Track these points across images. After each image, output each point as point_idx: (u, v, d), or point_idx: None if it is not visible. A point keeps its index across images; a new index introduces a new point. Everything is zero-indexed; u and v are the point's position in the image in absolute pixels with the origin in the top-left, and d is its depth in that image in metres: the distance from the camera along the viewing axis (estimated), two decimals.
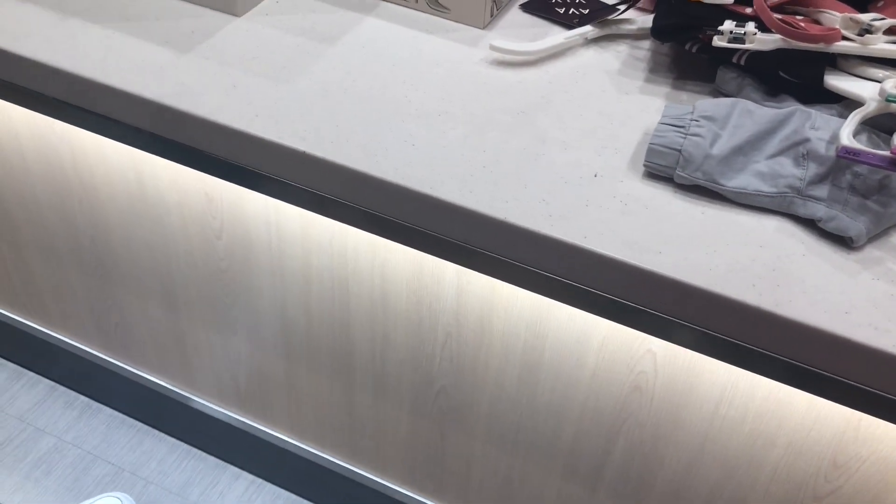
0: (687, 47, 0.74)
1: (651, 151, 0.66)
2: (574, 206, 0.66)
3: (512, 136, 0.72)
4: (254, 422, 1.24)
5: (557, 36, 0.80)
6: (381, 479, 1.18)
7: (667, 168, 0.66)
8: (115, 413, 1.41)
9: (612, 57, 0.82)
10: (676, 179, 0.66)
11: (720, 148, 0.64)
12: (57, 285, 1.24)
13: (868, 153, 0.60)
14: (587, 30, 0.82)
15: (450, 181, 0.67)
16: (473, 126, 0.72)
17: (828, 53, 0.68)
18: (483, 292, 0.86)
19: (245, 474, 1.34)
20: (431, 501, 1.16)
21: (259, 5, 0.84)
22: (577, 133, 0.72)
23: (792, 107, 0.67)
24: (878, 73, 0.67)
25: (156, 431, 1.39)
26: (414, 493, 1.17)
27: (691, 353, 0.79)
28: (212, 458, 1.36)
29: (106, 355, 1.32)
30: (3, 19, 0.81)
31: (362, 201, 0.70)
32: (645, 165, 0.68)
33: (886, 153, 0.60)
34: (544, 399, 0.92)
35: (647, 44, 0.84)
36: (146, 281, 1.12)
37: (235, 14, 0.81)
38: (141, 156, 0.95)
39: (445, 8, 0.81)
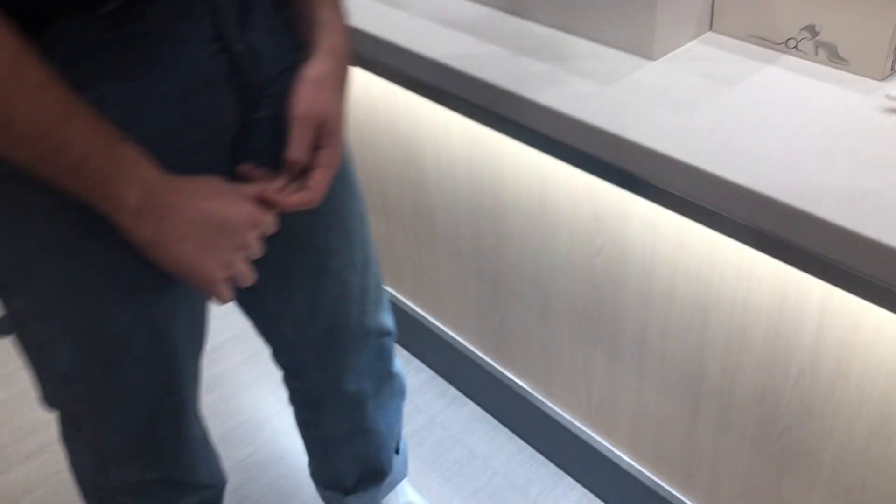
0: None
1: None
2: None
3: None
4: (598, 436, 1.35)
5: None
6: None
7: None
8: (478, 408, 1.61)
9: None
10: None
11: None
12: (453, 284, 1.47)
13: None
14: None
15: (830, 201, 0.73)
16: (859, 160, 0.77)
17: None
18: (844, 332, 0.88)
19: (579, 487, 1.45)
20: None
21: (672, 52, 0.97)
22: None
23: None
24: None
25: (509, 430, 1.56)
26: None
27: None
28: (552, 465, 1.49)
29: (480, 352, 1.53)
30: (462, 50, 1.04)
31: (740, 214, 0.79)
32: None
33: None
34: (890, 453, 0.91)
35: None
36: (527, 289, 1.30)
37: (651, 58, 0.95)
38: (544, 173, 1.13)
39: (844, 60, 0.87)
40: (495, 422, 1.58)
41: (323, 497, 1.30)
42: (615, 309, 1.16)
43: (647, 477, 1.29)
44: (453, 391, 1.65)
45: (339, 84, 0.83)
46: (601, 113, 0.88)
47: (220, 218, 0.74)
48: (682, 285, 1.04)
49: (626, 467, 1.31)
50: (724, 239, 0.88)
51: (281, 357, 1.09)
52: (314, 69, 0.80)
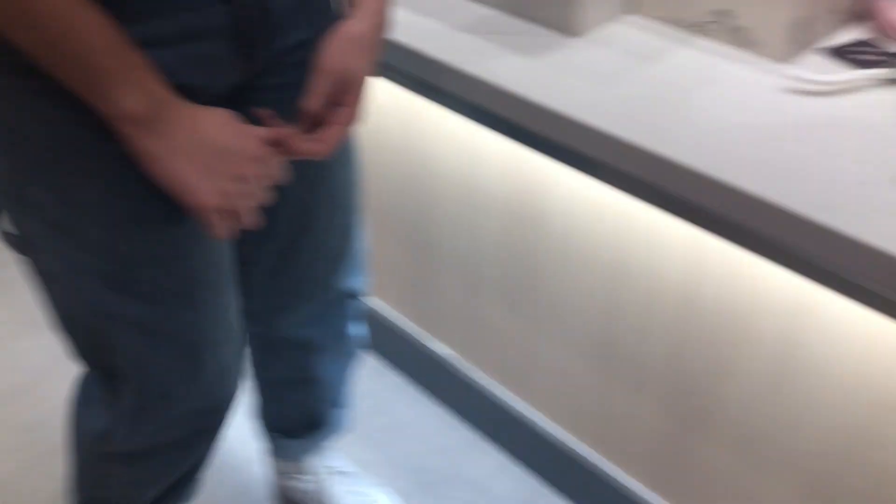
0: None
1: None
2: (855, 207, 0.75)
3: (799, 145, 0.83)
4: (515, 399, 1.41)
5: (858, 72, 0.90)
6: (626, 473, 1.29)
7: None
8: (400, 377, 1.65)
9: None
10: None
11: None
12: (379, 251, 1.50)
13: None
14: (891, 71, 0.90)
15: (735, 168, 0.80)
16: (760, 132, 0.84)
17: None
18: (749, 294, 0.96)
19: (499, 451, 1.50)
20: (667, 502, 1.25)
21: (595, 30, 1.03)
22: (851, 150, 0.82)
23: None
24: None
25: (431, 398, 1.61)
26: (654, 492, 1.26)
27: None
28: (472, 431, 1.54)
29: (401, 321, 1.57)
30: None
31: (651, 179, 0.85)
32: None
33: None
34: (791, 410, 0.99)
35: None
36: (453, 257, 1.35)
37: (576, 35, 1.01)
38: (475, 144, 1.17)
39: (752, 43, 0.95)
40: (418, 390, 1.63)
41: (266, 439, 1.34)
42: (534, 274, 1.22)
43: (564, 439, 1.35)
44: (374, 361, 1.69)
45: (372, 46, 0.83)
46: (528, 84, 0.93)
47: (221, 143, 0.75)
48: (598, 250, 1.10)
49: (543, 430, 1.38)
50: (637, 204, 0.95)
51: (247, 303, 1.11)
52: (352, 27, 0.81)
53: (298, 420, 1.28)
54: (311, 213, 1.00)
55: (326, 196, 1.00)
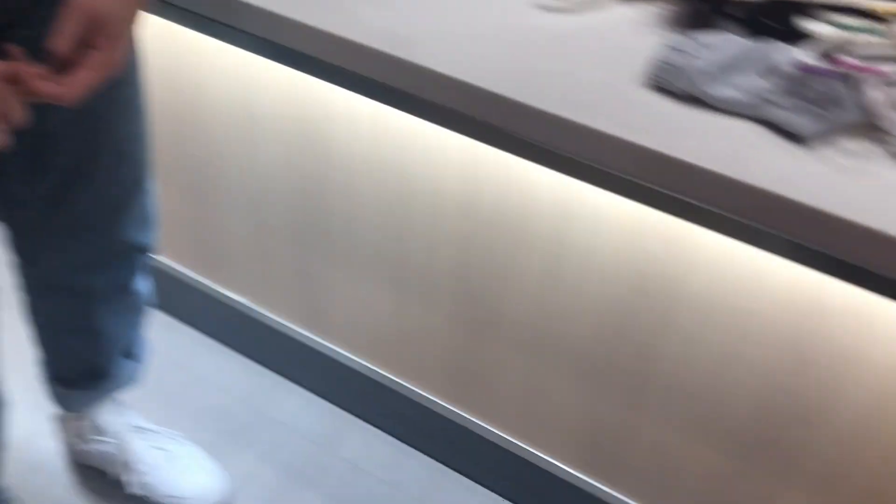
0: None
1: (656, 67, 0.85)
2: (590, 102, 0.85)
3: (551, 55, 0.91)
4: (312, 334, 1.44)
5: None
6: (421, 388, 1.36)
7: (668, 81, 0.85)
8: (196, 333, 1.62)
9: (642, 11, 1.01)
10: (676, 91, 0.85)
11: (708, 66, 0.83)
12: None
13: (822, 68, 0.78)
14: None
15: (505, 81, 0.86)
16: (520, 48, 0.92)
17: (800, 3, 0.86)
18: (522, 198, 1.05)
19: (300, 388, 1.53)
20: (461, 411, 1.33)
21: None
22: (597, 57, 0.91)
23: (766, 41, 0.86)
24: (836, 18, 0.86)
25: (228, 348, 1.59)
26: (452, 405, 1.34)
27: (686, 254, 0.96)
28: (271, 373, 1.55)
29: (191, 273, 1.53)
30: None
31: (429, 95, 0.90)
32: (652, 79, 0.86)
33: (835, 68, 0.78)
34: (564, 301, 1.10)
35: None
36: (238, 202, 1.34)
37: None
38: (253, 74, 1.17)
39: None
40: (215, 342, 1.60)
41: (49, 392, 1.29)
42: (321, 206, 1.25)
43: (362, 367, 1.40)
44: (165, 318, 1.64)
45: None
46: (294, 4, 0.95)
47: None
48: (382, 172, 1.15)
49: (342, 361, 1.41)
50: (414, 120, 1.00)
51: (19, 242, 1.07)
52: None
53: (79, 370, 1.25)
54: (90, 160, 0.99)
55: (109, 146, 0.99)
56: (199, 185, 1.37)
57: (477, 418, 1.32)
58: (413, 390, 1.36)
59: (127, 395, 1.34)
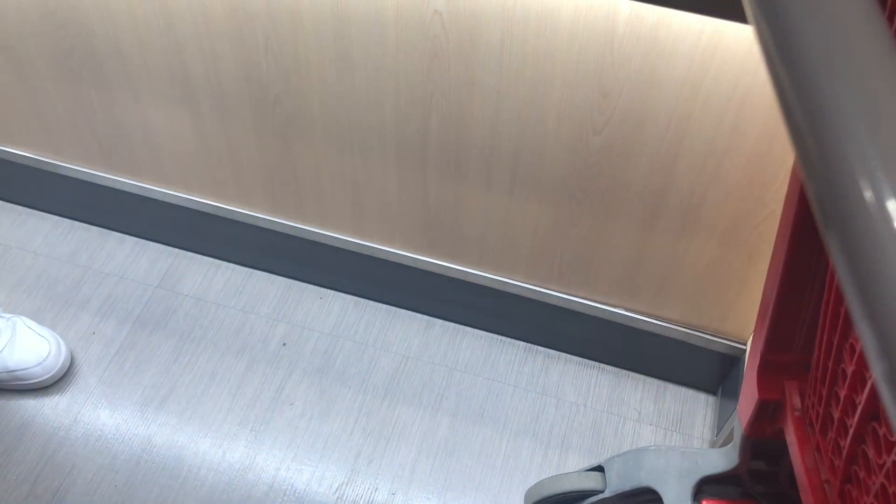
0: None
1: None
2: None
3: None
4: (119, 176, 1.33)
5: None
6: (247, 210, 1.30)
7: None
8: None
9: None
10: None
11: None
12: None
13: None
14: None
15: None
16: None
17: None
18: None
19: (129, 236, 1.44)
20: (295, 223, 1.28)
21: None
22: None
23: None
24: None
25: (37, 212, 1.47)
26: (279, 218, 1.29)
27: (471, 5, 0.89)
28: (94, 227, 1.45)
29: None
30: None
31: None
32: None
33: None
34: (362, 87, 1.03)
35: None
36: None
37: None
38: None
39: None
40: (20, 207, 1.47)
41: None
42: (81, 33, 1.10)
43: (181, 198, 1.32)
44: None
45: None
46: None
47: None
48: None
49: (156, 197, 1.32)
50: None
51: None
52: None
53: None
54: None
55: None
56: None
57: (310, 226, 1.28)
58: (240, 212, 1.30)
59: None
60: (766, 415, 0.74)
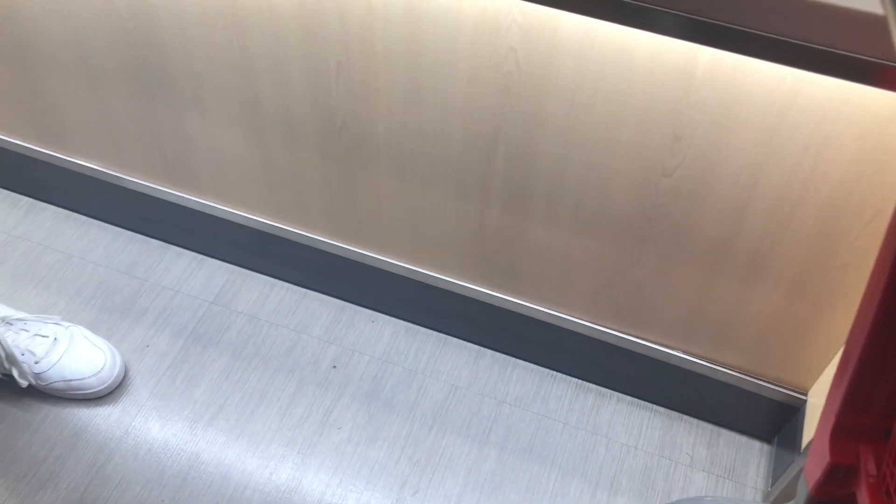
0: None
1: None
2: None
3: None
4: (182, 192, 1.35)
5: None
6: (305, 231, 1.30)
7: None
8: (60, 210, 1.51)
9: None
10: None
11: None
12: None
13: None
14: None
15: None
16: None
17: None
18: (361, 12, 0.95)
19: (187, 251, 1.45)
20: (352, 247, 1.29)
21: None
22: None
23: None
24: None
25: (99, 222, 1.49)
26: (336, 241, 1.29)
27: (546, 43, 0.89)
28: (154, 241, 1.47)
29: (40, 147, 1.40)
30: None
31: None
32: None
33: None
34: (429, 118, 1.03)
35: None
36: (63, 58, 1.20)
37: None
38: None
39: None
40: (83, 217, 1.50)
41: None
42: (153, 49, 1.12)
43: (243, 217, 1.33)
44: (27, 200, 1.52)
45: None
46: None
47: None
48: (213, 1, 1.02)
49: (218, 214, 1.34)
50: None
51: None
52: None
53: None
54: None
55: None
56: (21, 45, 1.22)
57: (366, 250, 1.28)
58: (299, 233, 1.30)
59: None
60: (837, 478, 0.71)
